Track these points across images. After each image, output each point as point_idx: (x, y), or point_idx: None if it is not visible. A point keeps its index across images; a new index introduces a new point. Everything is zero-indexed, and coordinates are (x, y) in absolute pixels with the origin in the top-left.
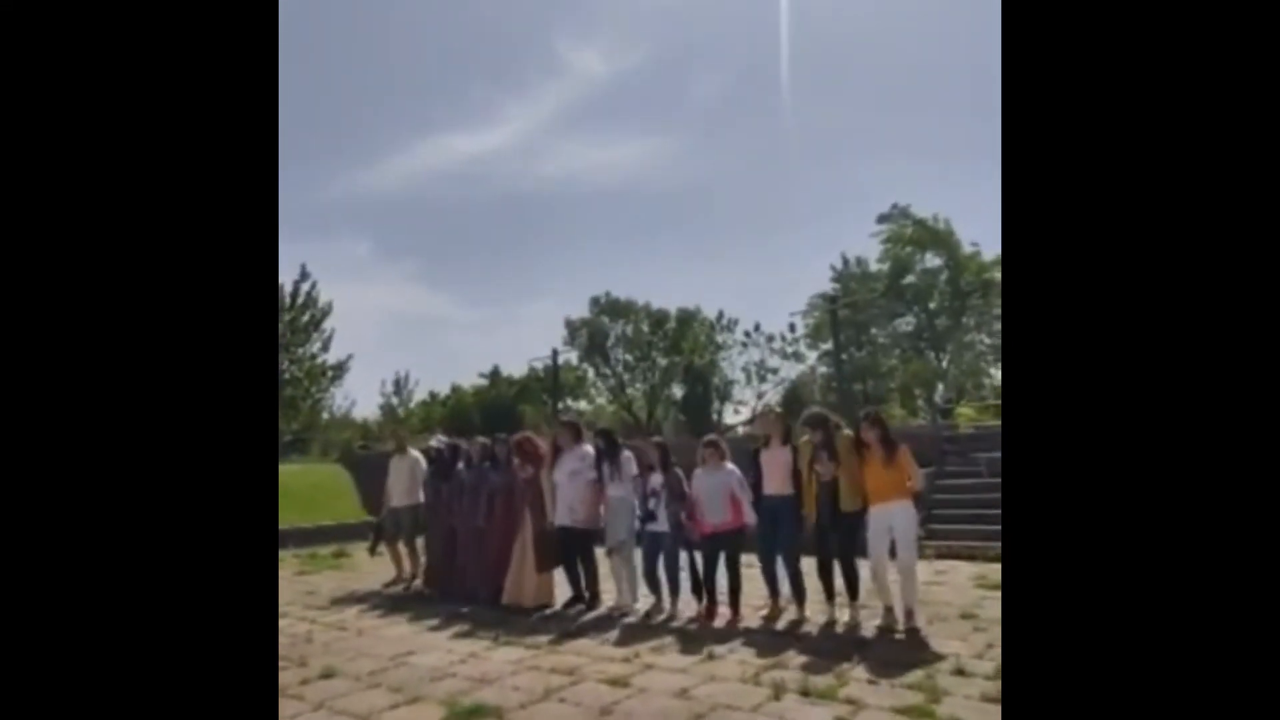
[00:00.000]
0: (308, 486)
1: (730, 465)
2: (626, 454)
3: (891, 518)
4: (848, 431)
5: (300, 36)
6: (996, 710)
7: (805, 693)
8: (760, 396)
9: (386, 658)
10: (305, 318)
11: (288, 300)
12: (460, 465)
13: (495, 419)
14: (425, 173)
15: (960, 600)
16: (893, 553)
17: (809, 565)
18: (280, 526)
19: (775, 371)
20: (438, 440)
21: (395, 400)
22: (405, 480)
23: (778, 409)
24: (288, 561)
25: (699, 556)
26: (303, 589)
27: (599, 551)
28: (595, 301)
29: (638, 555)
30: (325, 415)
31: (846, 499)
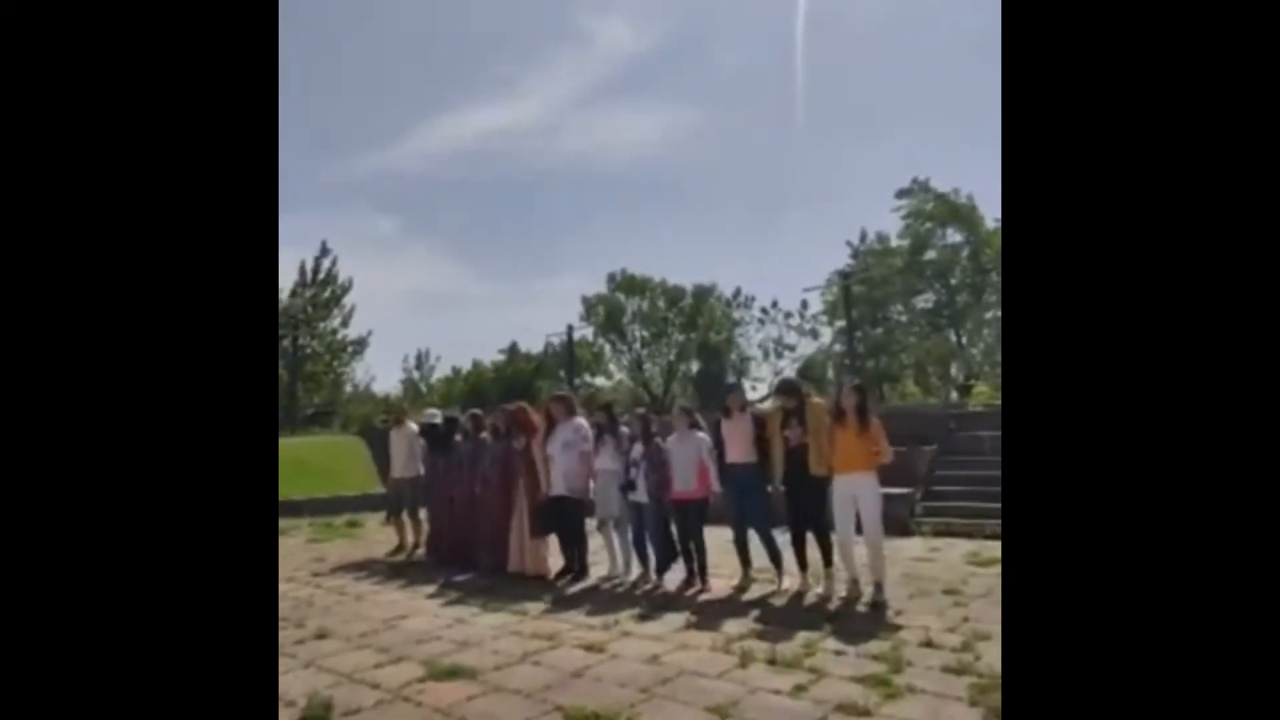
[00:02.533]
0: (327, 458)
1: (701, 433)
2: (623, 429)
3: (856, 489)
4: (819, 400)
5: (327, 15)
6: (956, 681)
7: (772, 661)
8: (778, 373)
9: (379, 621)
10: (326, 294)
11: (309, 276)
12: (458, 438)
13: (513, 394)
14: (449, 149)
15: (947, 576)
16: (860, 527)
17: (783, 536)
18: (298, 497)
19: (792, 348)
20: (430, 414)
21: (417, 375)
22: (404, 454)
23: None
24: (302, 530)
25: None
26: (311, 556)
27: (590, 523)
28: (612, 278)
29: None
30: (347, 389)
31: (813, 464)
